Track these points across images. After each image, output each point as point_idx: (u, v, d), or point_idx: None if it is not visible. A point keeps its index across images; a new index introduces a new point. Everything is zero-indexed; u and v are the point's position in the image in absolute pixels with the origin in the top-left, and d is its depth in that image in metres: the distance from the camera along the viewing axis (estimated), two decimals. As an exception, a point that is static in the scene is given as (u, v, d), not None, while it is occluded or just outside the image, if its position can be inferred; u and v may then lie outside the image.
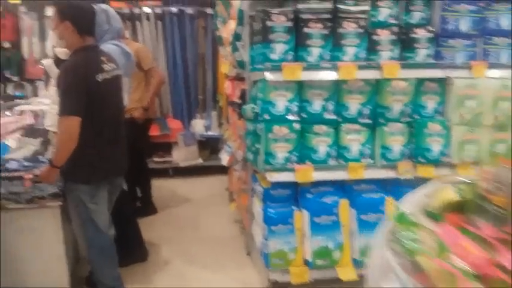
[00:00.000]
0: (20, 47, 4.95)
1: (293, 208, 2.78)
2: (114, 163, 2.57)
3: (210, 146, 5.73)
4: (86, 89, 2.29)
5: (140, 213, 4.23)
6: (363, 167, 2.75)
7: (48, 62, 2.91)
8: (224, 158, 3.90)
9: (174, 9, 5.38)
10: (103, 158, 2.47)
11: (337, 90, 2.71)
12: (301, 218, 2.77)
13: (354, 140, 2.77)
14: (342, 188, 2.87)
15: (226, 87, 3.77)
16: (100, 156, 2.45)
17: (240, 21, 3.04)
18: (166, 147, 5.55)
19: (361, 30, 2.67)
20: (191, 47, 5.52)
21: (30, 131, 3.05)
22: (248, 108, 2.90)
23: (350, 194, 2.85)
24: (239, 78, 3.53)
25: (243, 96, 3.25)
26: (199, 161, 5.59)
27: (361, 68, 2.61)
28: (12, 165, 2.53)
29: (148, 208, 4.40)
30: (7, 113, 3.47)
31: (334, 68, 2.59)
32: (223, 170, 4.54)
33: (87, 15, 2.43)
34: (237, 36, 3.18)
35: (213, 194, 4.94)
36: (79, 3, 2.42)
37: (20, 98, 4.15)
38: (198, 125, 5.64)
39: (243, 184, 3.43)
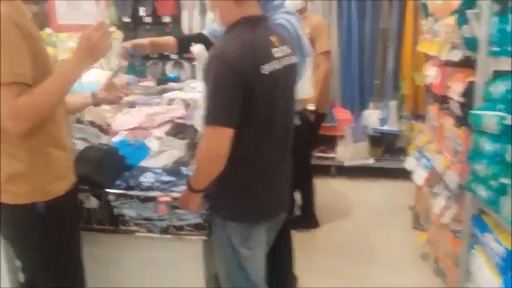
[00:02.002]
0: (180, 22, 4.49)
1: None
2: (279, 194, 1.76)
3: (384, 143, 4.71)
4: (244, 88, 1.50)
5: (298, 225, 3.47)
6: None
7: (198, 49, 2.19)
8: (418, 174, 2.83)
9: (354, -26, 4.39)
10: (264, 186, 1.68)
11: None
12: None
13: None
14: None
15: (433, 75, 2.68)
16: (260, 185, 1.67)
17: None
18: (330, 142, 4.68)
19: None
20: (371, 20, 4.47)
21: (177, 128, 2.42)
22: (489, 116, 1.79)
23: None
24: (458, 65, 2.41)
25: (468, 92, 2.15)
26: (370, 160, 4.60)
27: None
28: (147, 178, 1.90)
29: (309, 220, 3.60)
30: (156, 99, 2.92)
31: None
32: (398, 175, 3.57)
33: None
34: (468, 2, 2.07)
35: (388, 208, 3.90)
36: None
37: (174, 80, 3.65)
38: (372, 117, 4.64)
39: (452, 222, 2.35)
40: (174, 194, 1.80)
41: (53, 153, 1.58)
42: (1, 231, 1.63)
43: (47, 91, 1.45)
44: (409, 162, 3.10)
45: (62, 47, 4.41)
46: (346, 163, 4.56)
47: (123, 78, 2.21)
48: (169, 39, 2.39)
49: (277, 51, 1.60)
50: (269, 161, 1.67)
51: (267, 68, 1.54)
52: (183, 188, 1.75)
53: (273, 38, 1.62)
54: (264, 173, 1.66)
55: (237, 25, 1.58)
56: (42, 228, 1.58)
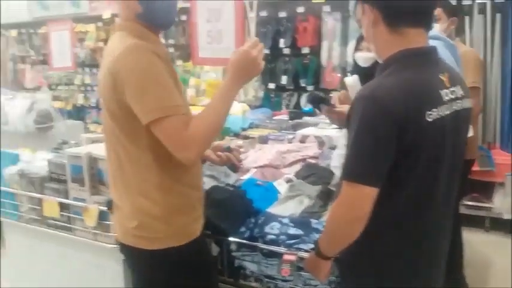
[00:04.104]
0: (319, 53, 4.34)
1: None
2: (435, 269, 1.41)
3: (557, 195, 3.88)
4: (400, 138, 1.19)
5: (443, 288, 2.96)
6: None
7: (352, 81, 1.98)
8: None
9: (525, -3, 3.78)
10: (417, 260, 1.35)
11: None
12: None
13: None
14: None
15: None
16: (411, 258, 1.34)
17: None
18: (486, 189, 4.01)
19: None
20: (546, 48, 3.79)
21: (309, 169, 2.21)
22: None
23: None
24: None
25: None
26: (536, 215, 3.84)
27: None
28: (273, 229, 1.71)
29: (457, 283, 3.04)
30: (289, 135, 2.77)
31: None
32: None
33: None
34: None
35: None
36: None
37: (309, 114, 3.46)
38: (540, 164, 3.88)
39: None
40: (301, 254, 1.57)
41: (189, 193, 1.53)
42: (133, 278, 1.60)
43: (215, 112, 1.44)
44: None
45: (205, 77, 4.61)
46: (505, 216, 3.86)
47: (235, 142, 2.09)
48: None
49: (447, 93, 1.27)
50: (426, 230, 1.34)
51: (433, 115, 1.22)
52: (311, 246, 1.53)
53: (444, 77, 1.29)
54: (418, 243, 1.34)
55: (396, 60, 1.28)
56: (178, 274, 1.52)
